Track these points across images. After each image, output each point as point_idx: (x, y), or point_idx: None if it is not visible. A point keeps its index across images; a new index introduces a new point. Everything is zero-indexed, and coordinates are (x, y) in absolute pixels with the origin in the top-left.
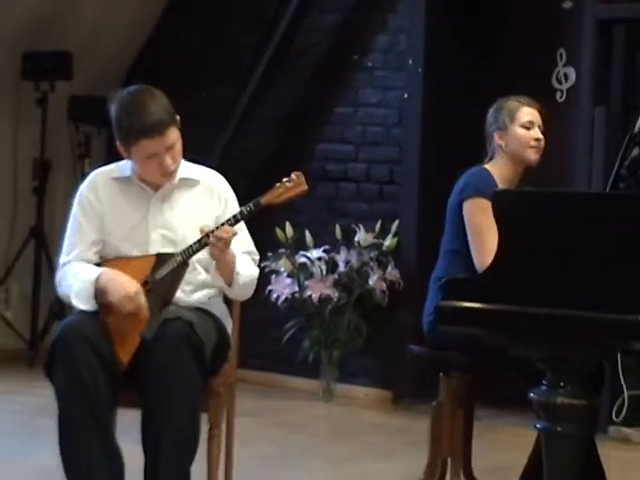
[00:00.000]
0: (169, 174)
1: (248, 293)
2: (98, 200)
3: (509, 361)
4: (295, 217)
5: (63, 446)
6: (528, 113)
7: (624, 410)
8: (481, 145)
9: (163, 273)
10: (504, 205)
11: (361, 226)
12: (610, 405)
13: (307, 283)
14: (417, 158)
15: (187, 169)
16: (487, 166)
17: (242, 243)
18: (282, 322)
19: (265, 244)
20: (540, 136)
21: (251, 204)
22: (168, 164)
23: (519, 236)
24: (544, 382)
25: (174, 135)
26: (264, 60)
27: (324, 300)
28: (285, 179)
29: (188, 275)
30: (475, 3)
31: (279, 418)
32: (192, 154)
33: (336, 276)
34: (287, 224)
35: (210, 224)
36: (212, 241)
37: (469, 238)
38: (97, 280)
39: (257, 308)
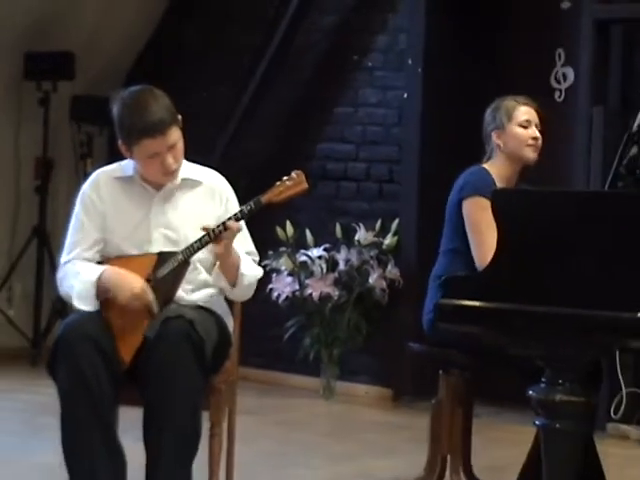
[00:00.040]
0: (171, 173)
1: (249, 294)
2: (100, 199)
3: (508, 359)
4: (296, 216)
5: (66, 444)
6: (525, 112)
7: (622, 407)
8: (480, 144)
9: (164, 272)
10: (503, 204)
11: (361, 225)
12: (608, 402)
13: (308, 281)
14: (417, 157)
15: (189, 170)
16: (485, 165)
17: (243, 243)
18: (283, 320)
19: (266, 243)
20: (538, 134)
21: (252, 203)
22: (170, 163)
23: (518, 235)
24: (543, 380)
25: (176, 135)
26: (265, 60)
27: (324, 298)
28: (285, 178)
29: (189, 274)
30: (474, 3)
31: (280, 416)
32: (193, 154)
33: (336, 274)
34: (288, 223)
35: (212, 224)
36: (219, 231)
37: (469, 236)
38: (99, 279)
39: (258, 306)
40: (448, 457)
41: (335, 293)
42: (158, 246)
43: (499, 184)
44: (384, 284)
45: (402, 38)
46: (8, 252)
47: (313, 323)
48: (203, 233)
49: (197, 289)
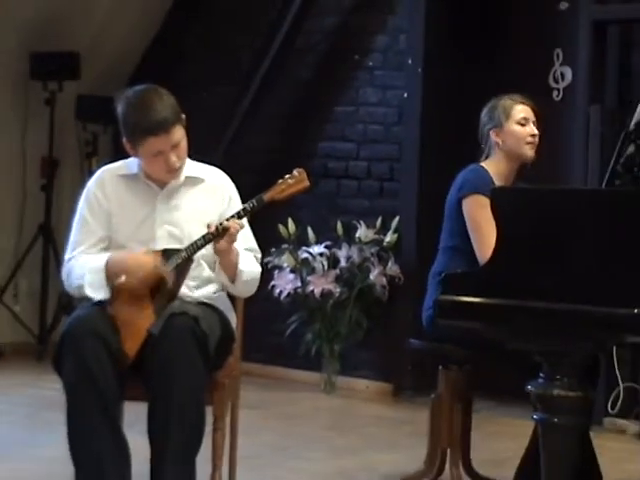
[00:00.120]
0: (174, 171)
1: (251, 290)
2: (105, 197)
3: (507, 354)
4: (297, 213)
5: (72, 438)
6: (522, 110)
7: (619, 402)
8: (479, 143)
9: (168, 269)
10: (502, 202)
11: (362, 222)
12: (605, 397)
13: (309, 278)
14: (416, 156)
15: (193, 168)
16: (483, 164)
17: (245, 240)
18: (285, 316)
19: (268, 240)
20: (536, 132)
21: (254, 200)
22: (173, 162)
23: (516, 232)
24: (541, 375)
25: (179, 133)
26: (267, 60)
27: (326, 295)
28: (287, 176)
29: (193, 271)
30: (474, 4)
31: (282, 410)
32: (197, 151)
33: (337, 271)
34: (289, 220)
35: (215, 221)
36: (222, 228)
37: (470, 234)
38: (107, 264)
39: (260, 303)
40: (448, 451)
41: (336, 290)
42: (162, 243)
43: (497, 182)
44: (384, 281)
45: (402, 38)
46: (14, 249)
47: (314, 319)
48: (206, 230)
49: (201, 285)
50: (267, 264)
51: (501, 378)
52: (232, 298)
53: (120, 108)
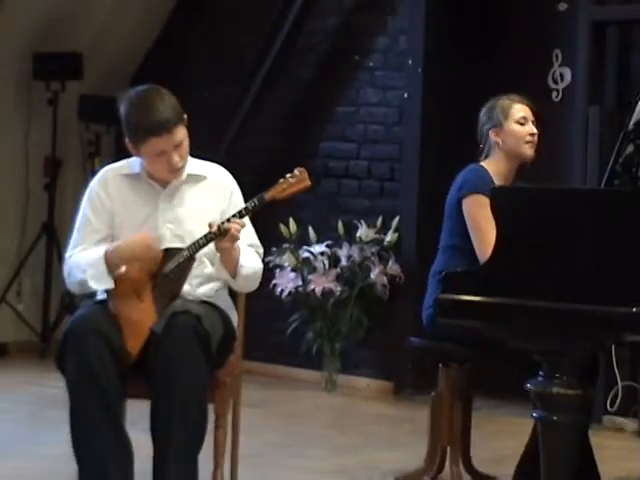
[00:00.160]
0: (176, 171)
1: (253, 285)
2: (108, 196)
3: (507, 353)
4: (298, 213)
5: (74, 436)
6: (520, 109)
7: (618, 400)
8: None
9: (170, 268)
10: (501, 201)
11: (362, 222)
12: (604, 395)
13: (310, 277)
14: (417, 156)
15: (194, 165)
16: (483, 163)
17: (246, 236)
18: (286, 315)
19: (269, 239)
20: (535, 131)
21: (255, 199)
22: (176, 161)
23: (516, 231)
24: (540, 373)
25: (181, 133)
26: (268, 61)
27: (327, 294)
28: (288, 175)
29: (196, 268)
30: (473, 5)
31: (283, 408)
32: (199, 151)
33: (338, 270)
34: (291, 220)
35: (217, 218)
36: (224, 228)
37: (471, 234)
38: (106, 254)
39: (262, 301)
40: (448, 449)
41: (337, 288)
42: (165, 242)
43: (497, 181)
44: (385, 280)
45: (402, 39)
46: (18, 248)
47: (315, 318)
48: (208, 229)
49: (203, 283)
50: (268, 263)
51: (501, 377)
52: (233, 296)
53: (122, 108)
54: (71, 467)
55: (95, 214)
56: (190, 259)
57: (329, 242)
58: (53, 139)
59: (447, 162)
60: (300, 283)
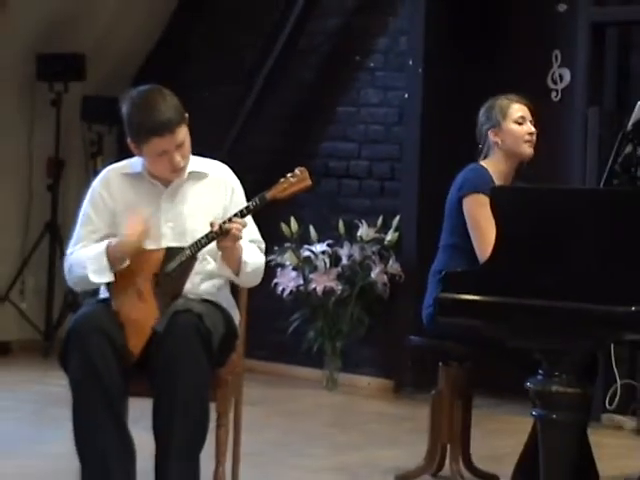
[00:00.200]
0: (178, 171)
1: (256, 280)
2: (110, 196)
3: (506, 351)
4: (299, 212)
5: (77, 434)
6: (519, 109)
7: (617, 398)
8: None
9: (172, 267)
10: (501, 201)
11: (363, 221)
12: (603, 393)
13: (311, 276)
14: (417, 156)
15: (196, 163)
16: (483, 163)
17: (248, 233)
18: (287, 314)
19: (271, 238)
20: (533, 130)
21: (257, 199)
22: (178, 161)
23: (516, 230)
24: (540, 372)
25: (183, 133)
26: (270, 61)
27: (328, 292)
28: (289, 174)
29: (198, 265)
30: (473, 6)
31: (284, 406)
32: (201, 150)
33: (339, 269)
34: (292, 219)
35: (219, 214)
36: (225, 228)
37: (471, 233)
38: (107, 248)
39: (263, 300)
40: (448, 447)
41: (338, 287)
42: (167, 241)
43: (497, 181)
44: (385, 279)
45: (403, 40)
46: (21, 247)
47: (317, 316)
48: (210, 228)
49: (205, 279)
50: (270, 262)
51: (501, 375)
52: (235, 295)
53: (124, 109)
54: (74, 465)
55: (96, 213)
56: (192, 258)
57: (330, 241)
58: (56, 140)
59: (447, 162)
60: (301, 282)
